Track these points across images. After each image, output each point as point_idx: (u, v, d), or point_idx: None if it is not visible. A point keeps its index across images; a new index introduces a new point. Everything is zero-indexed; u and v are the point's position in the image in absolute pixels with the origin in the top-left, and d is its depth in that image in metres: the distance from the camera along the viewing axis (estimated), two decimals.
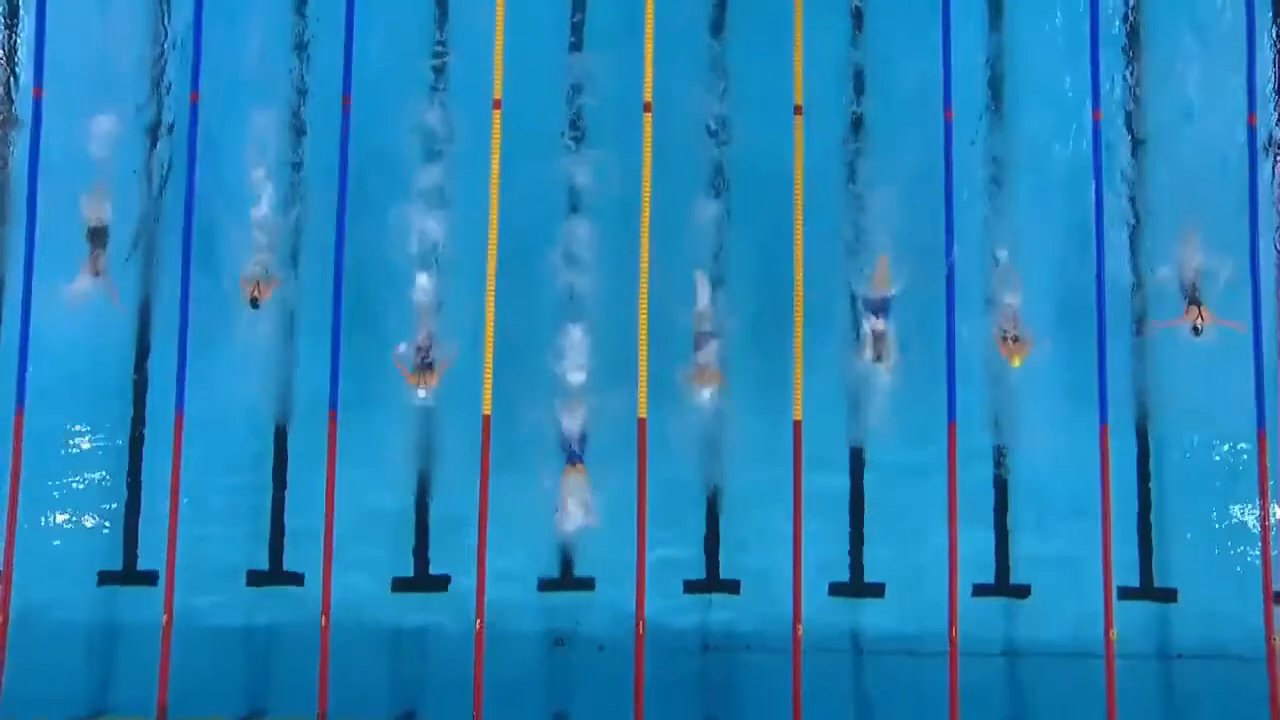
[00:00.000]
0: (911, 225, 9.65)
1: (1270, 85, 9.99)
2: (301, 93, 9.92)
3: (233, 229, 9.65)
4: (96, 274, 9.55)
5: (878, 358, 9.51)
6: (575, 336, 9.48)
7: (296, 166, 9.83)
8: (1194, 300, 9.59)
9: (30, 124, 9.66)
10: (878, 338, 9.52)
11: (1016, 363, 9.45)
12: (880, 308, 9.56)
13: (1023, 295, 9.64)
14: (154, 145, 9.89)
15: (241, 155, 9.74)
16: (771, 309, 9.56)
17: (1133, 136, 10.00)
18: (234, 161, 9.74)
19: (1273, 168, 9.93)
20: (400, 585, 9.34)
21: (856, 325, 9.64)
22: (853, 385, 9.60)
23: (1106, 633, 9.02)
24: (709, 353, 9.51)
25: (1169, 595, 9.46)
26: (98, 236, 9.63)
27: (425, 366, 9.39)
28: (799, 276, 9.47)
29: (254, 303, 9.43)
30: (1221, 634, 9.31)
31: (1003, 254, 9.76)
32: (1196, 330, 9.52)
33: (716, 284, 9.66)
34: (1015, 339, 9.53)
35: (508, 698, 8.89)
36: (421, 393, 9.37)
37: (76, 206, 9.63)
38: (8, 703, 8.82)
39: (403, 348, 9.44)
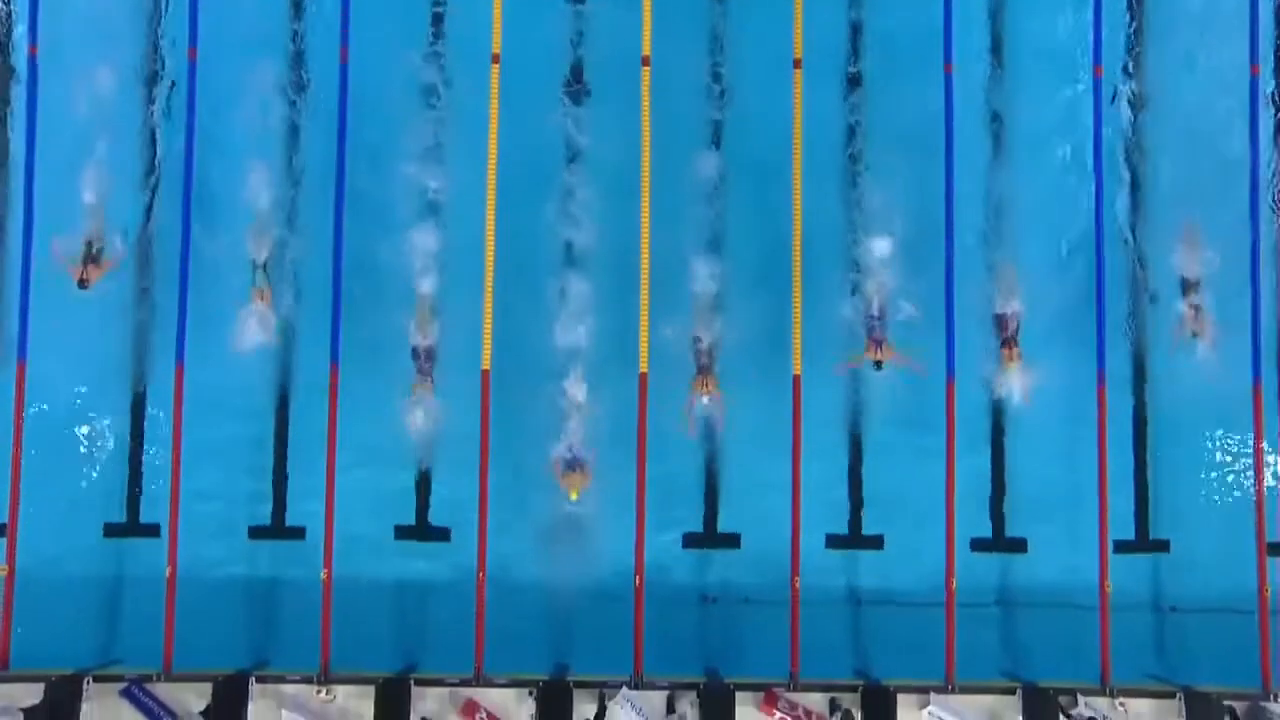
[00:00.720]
0: (911, 179, 9.63)
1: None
2: (298, 47, 9.86)
3: (231, 186, 9.64)
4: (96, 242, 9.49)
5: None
6: (574, 290, 9.48)
7: (294, 121, 9.80)
8: (1194, 307, 9.53)
9: (26, 81, 9.67)
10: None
11: (1013, 366, 9.43)
12: (882, 263, 9.58)
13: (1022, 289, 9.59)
14: (152, 102, 9.85)
15: (240, 110, 9.72)
16: (770, 265, 9.55)
17: (1134, 93, 9.97)
18: (232, 117, 9.72)
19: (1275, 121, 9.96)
20: (402, 534, 9.48)
21: (857, 282, 9.61)
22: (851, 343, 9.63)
23: (1101, 584, 9.10)
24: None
25: (1162, 547, 9.57)
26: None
27: (426, 375, 9.39)
28: (798, 231, 9.44)
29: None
30: (1215, 586, 9.39)
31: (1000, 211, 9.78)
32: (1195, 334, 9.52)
33: (716, 237, 9.67)
34: (1014, 344, 9.45)
35: (510, 648, 8.99)
36: (419, 393, 9.34)
37: (74, 163, 9.60)
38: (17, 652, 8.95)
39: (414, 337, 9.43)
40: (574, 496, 9.13)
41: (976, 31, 9.97)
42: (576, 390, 9.35)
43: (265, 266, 9.52)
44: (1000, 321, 9.56)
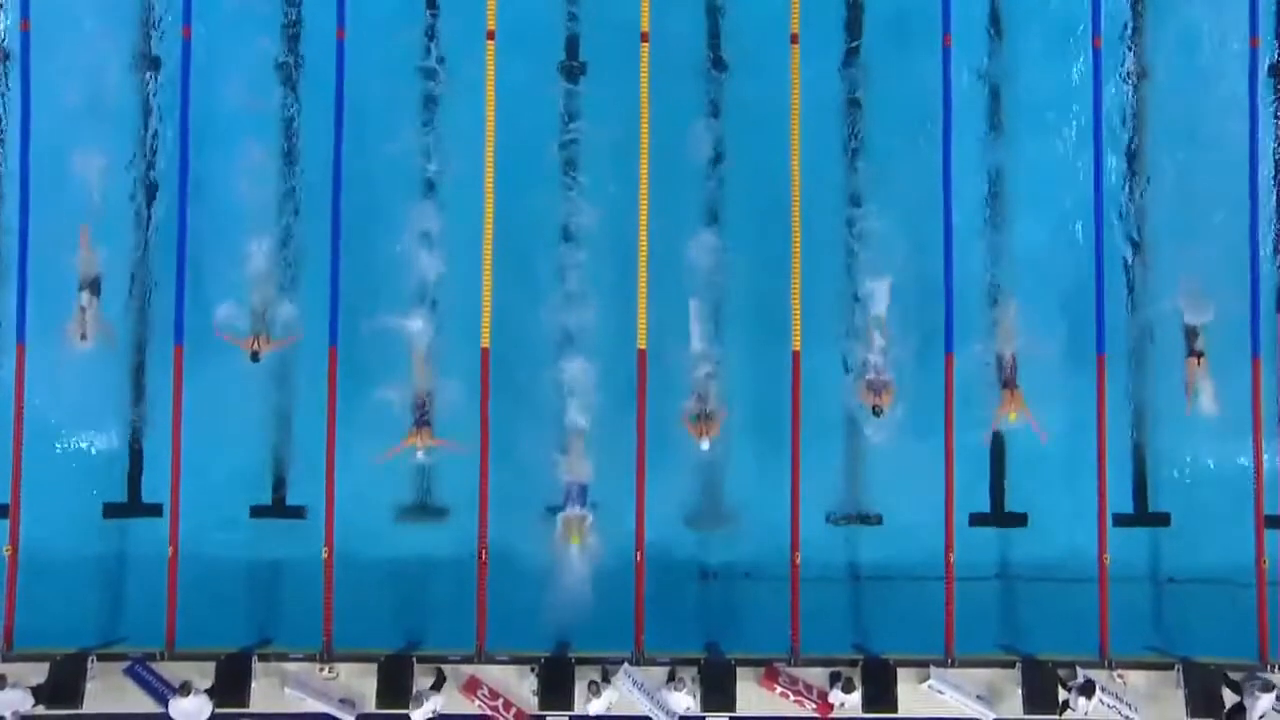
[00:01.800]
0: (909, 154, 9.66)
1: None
2: (293, 28, 9.81)
3: (226, 166, 9.58)
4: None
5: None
6: (572, 267, 9.45)
7: (290, 99, 9.76)
8: (1194, 352, 9.53)
9: (19, 58, 9.59)
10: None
11: (1013, 417, 9.38)
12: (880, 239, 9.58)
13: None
14: (146, 81, 9.80)
15: (235, 89, 9.66)
16: (769, 242, 9.51)
17: (1135, 68, 9.94)
18: (227, 96, 9.66)
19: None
20: (404, 514, 9.50)
21: (851, 259, 9.63)
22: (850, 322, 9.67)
23: (1100, 557, 9.14)
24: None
25: (1162, 521, 9.61)
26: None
27: (423, 424, 9.34)
28: (796, 208, 9.38)
29: (254, 357, 9.29)
30: (1213, 558, 9.42)
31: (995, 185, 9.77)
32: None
33: (713, 215, 9.65)
34: (1013, 388, 9.40)
35: (515, 625, 9.02)
36: (420, 454, 9.32)
37: (69, 141, 9.55)
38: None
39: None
40: (575, 541, 9.10)
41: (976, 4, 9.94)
42: (574, 368, 9.35)
43: (261, 247, 9.48)
44: (997, 298, 9.57)
